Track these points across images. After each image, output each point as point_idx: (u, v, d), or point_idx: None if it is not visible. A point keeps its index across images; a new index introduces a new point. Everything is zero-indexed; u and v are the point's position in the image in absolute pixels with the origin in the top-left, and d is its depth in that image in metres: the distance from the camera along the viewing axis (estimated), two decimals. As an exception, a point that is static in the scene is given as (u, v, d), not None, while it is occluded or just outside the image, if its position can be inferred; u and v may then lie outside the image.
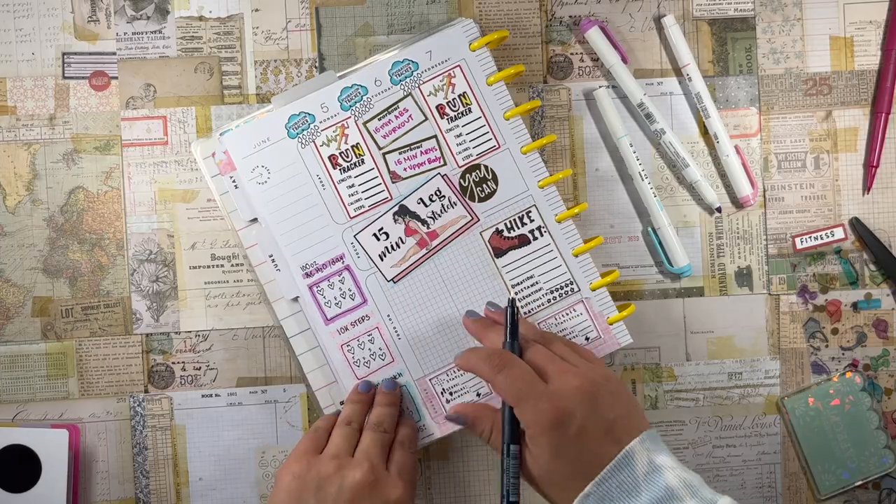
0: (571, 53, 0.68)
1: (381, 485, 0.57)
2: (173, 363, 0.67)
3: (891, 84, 0.68)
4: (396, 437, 0.61)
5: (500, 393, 0.55)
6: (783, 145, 0.69)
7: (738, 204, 0.68)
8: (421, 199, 0.64)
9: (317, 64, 0.67)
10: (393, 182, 0.64)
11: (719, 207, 0.68)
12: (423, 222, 0.63)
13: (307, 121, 0.63)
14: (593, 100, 0.68)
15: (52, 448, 0.64)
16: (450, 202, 0.64)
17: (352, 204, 0.63)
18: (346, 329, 0.63)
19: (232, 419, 0.67)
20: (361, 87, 0.64)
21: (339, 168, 0.63)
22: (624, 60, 0.67)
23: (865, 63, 0.69)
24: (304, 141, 0.63)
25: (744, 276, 0.68)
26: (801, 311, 0.69)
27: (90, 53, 0.67)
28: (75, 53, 0.67)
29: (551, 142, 0.65)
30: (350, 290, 0.63)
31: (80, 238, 0.67)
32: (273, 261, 0.64)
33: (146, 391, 0.67)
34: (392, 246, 0.63)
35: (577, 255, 0.64)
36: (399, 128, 0.64)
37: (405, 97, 0.64)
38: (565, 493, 0.52)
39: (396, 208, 0.63)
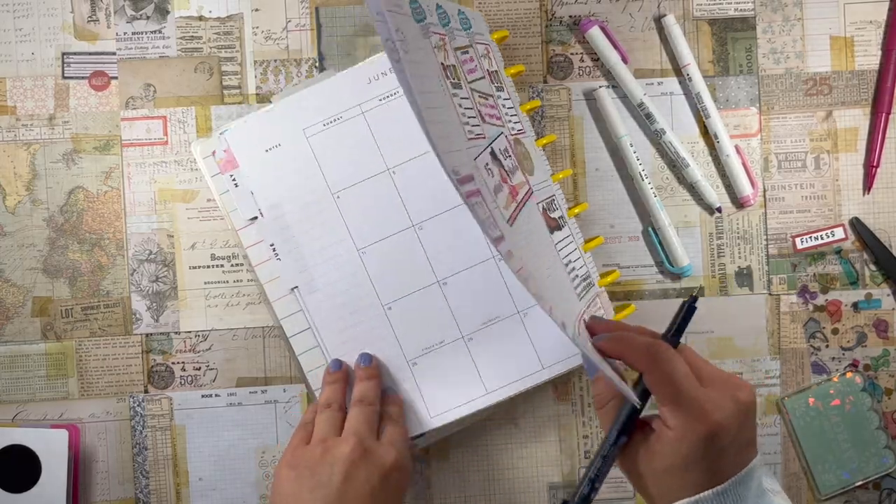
0: (571, 53, 0.68)
1: (372, 454, 0.57)
2: (173, 363, 0.67)
3: (891, 84, 0.68)
4: (384, 413, 0.61)
5: (654, 386, 0.50)
6: (783, 145, 0.68)
7: (739, 204, 0.68)
8: (501, 150, 0.55)
9: (317, 64, 0.67)
10: (483, 121, 0.54)
11: (719, 207, 0.68)
12: (509, 174, 0.55)
13: (421, 13, 0.50)
14: (593, 100, 0.68)
15: (51, 448, 0.64)
16: (514, 164, 0.57)
17: (465, 124, 0.51)
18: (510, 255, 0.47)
19: (232, 419, 0.67)
20: (446, 13, 0.55)
21: (450, 81, 0.51)
22: (624, 60, 0.67)
23: (866, 63, 0.69)
24: (424, 30, 0.50)
25: (744, 276, 0.68)
26: (802, 311, 0.69)
27: (90, 53, 0.67)
28: (75, 53, 0.67)
29: (551, 141, 0.65)
30: (489, 218, 0.47)
31: (80, 238, 0.67)
32: (274, 249, 0.63)
33: (146, 391, 0.67)
34: (497, 186, 0.52)
35: (585, 252, 0.64)
36: (473, 71, 0.57)
37: (471, 45, 0.58)
38: (672, 496, 0.49)
39: (490, 150, 0.53)
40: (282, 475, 0.57)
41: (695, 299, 0.53)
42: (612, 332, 0.54)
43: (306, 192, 0.63)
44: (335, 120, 0.64)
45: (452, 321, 0.63)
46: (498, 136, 0.55)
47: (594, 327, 0.55)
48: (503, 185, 0.52)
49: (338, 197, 0.64)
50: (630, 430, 0.51)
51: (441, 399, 0.64)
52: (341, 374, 0.63)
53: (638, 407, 0.50)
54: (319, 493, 0.55)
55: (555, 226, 0.63)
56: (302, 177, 0.63)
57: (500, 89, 0.62)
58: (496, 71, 0.62)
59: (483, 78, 0.58)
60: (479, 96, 0.55)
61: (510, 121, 0.61)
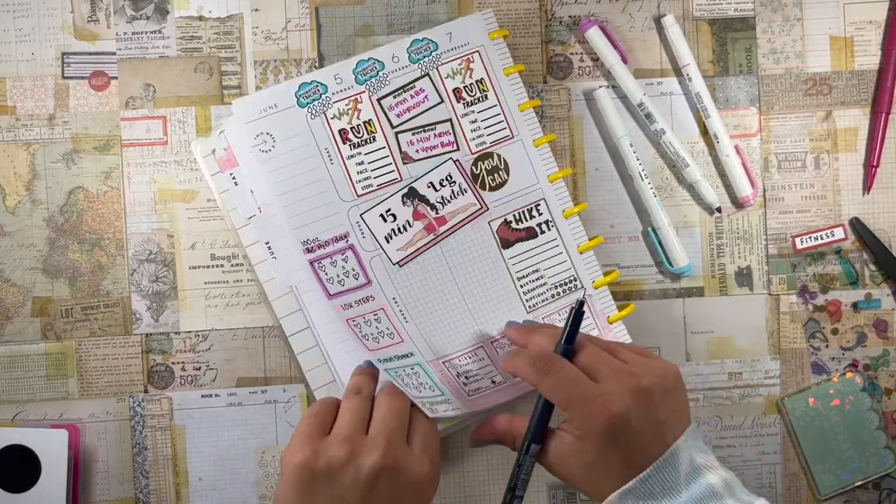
0: (571, 53, 0.68)
1: (402, 465, 0.51)
2: (173, 363, 0.67)
3: (891, 84, 0.68)
4: (413, 409, 0.56)
5: (547, 395, 0.52)
6: (783, 145, 0.68)
7: (738, 204, 0.68)
8: (431, 182, 0.62)
9: (316, 64, 0.67)
10: (404, 163, 0.62)
11: (719, 207, 0.68)
12: (433, 207, 0.62)
13: (319, 91, 0.62)
14: (593, 100, 0.68)
15: (51, 448, 0.64)
16: (460, 188, 0.62)
17: (360, 182, 0.62)
18: (351, 306, 0.61)
19: (232, 419, 0.67)
20: (378, 61, 0.62)
21: (349, 143, 0.62)
22: (624, 60, 0.67)
23: (865, 63, 0.69)
24: (314, 111, 0.62)
25: (744, 276, 0.68)
26: (802, 311, 0.69)
27: (90, 53, 0.67)
28: (75, 53, 0.67)
29: (551, 141, 0.65)
30: (354, 269, 0.61)
31: (80, 238, 0.67)
32: (269, 248, 0.63)
33: (146, 391, 0.67)
34: (399, 228, 0.61)
35: (581, 252, 0.64)
36: (414, 107, 0.63)
37: (422, 77, 0.63)
38: (603, 488, 0.50)
39: (406, 190, 0.61)
40: (296, 474, 0.51)
41: (581, 304, 0.54)
42: (509, 350, 0.57)
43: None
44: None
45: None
46: (433, 169, 0.61)
47: (506, 334, 0.60)
48: (415, 223, 0.61)
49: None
50: (540, 436, 0.53)
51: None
52: (374, 370, 0.61)
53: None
54: None
55: (520, 237, 0.63)
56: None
57: (479, 101, 0.63)
58: (479, 80, 0.63)
59: (434, 107, 0.62)
60: (413, 133, 0.62)
61: (483, 134, 0.63)
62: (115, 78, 0.67)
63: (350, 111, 0.62)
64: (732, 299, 0.68)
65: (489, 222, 0.63)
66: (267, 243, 0.63)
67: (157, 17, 0.67)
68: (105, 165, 0.67)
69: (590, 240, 0.65)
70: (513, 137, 0.64)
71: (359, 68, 0.62)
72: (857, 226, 0.68)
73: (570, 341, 0.54)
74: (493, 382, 0.62)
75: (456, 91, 0.63)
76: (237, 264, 0.67)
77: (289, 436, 0.67)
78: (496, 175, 0.63)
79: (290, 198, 0.60)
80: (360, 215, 0.61)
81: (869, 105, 0.69)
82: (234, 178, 0.64)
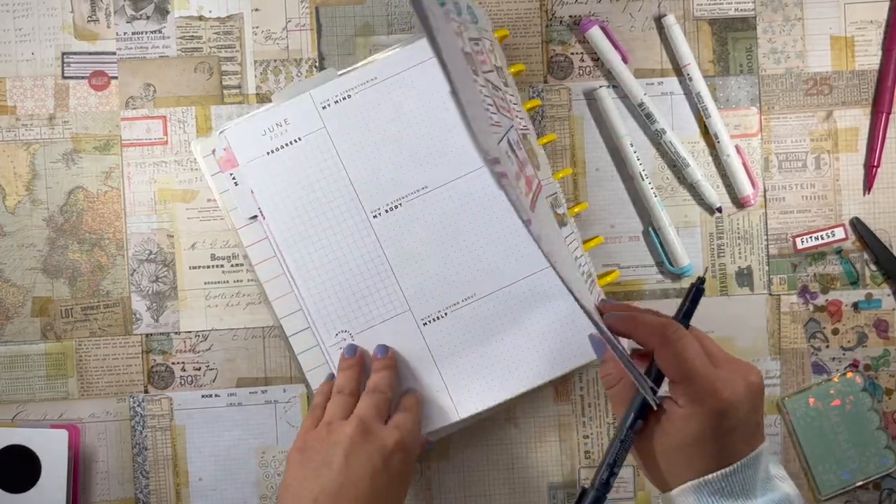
0: (572, 53, 0.68)
1: (374, 434, 0.57)
2: (173, 363, 0.67)
3: (891, 84, 0.68)
4: (398, 404, 0.61)
5: (665, 365, 0.50)
6: (784, 145, 0.68)
7: (739, 204, 0.68)
8: (514, 140, 0.56)
9: (317, 64, 0.67)
10: (497, 112, 0.55)
11: (720, 207, 0.68)
12: (522, 165, 0.55)
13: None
14: (594, 100, 0.68)
15: (51, 448, 0.64)
16: (524, 157, 0.58)
17: (486, 110, 0.51)
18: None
19: (232, 419, 0.67)
20: (457, 3, 0.54)
21: (470, 67, 0.51)
22: (624, 60, 0.67)
23: (866, 63, 0.69)
24: (447, 13, 0.49)
25: (744, 277, 0.68)
26: (802, 311, 0.68)
27: (90, 53, 0.67)
28: (75, 53, 0.67)
29: (551, 141, 0.65)
30: (515, 200, 0.47)
31: (80, 238, 0.67)
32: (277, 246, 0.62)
33: (146, 391, 0.67)
34: (515, 173, 0.52)
35: (585, 251, 0.64)
36: (484, 63, 0.57)
37: (480, 38, 0.59)
38: (682, 475, 0.50)
39: (507, 139, 0.53)
40: (291, 458, 0.58)
41: (702, 280, 0.53)
42: (623, 312, 0.54)
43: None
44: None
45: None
46: (510, 128, 0.55)
47: (605, 308, 0.56)
48: (521, 174, 0.52)
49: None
50: (646, 412, 0.51)
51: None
52: (356, 359, 0.63)
53: (649, 396, 0.50)
54: (323, 473, 0.56)
55: (560, 222, 0.63)
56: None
57: (506, 84, 0.62)
58: (500, 67, 0.62)
59: (492, 71, 0.58)
60: (493, 87, 0.55)
61: (517, 116, 0.61)
62: (115, 78, 0.67)
63: (459, 35, 0.51)
64: (733, 299, 0.68)
65: (546, 198, 0.61)
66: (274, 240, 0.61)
67: (157, 17, 0.67)
68: (105, 165, 0.67)
69: (590, 240, 0.65)
70: (529, 130, 0.63)
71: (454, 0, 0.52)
72: (857, 226, 0.68)
73: (688, 318, 0.53)
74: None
75: (496, 68, 0.61)
76: (237, 264, 0.67)
77: (289, 436, 0.67)
78: (533, 157, 0.62)
79: (466, 94, 0.44)
80: (497, 144, 0.48)
81: (869, 105, 0.69)
82: (234, 179, 0.64)
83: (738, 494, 0.49)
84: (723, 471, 0.49)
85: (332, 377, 0.64)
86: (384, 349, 0.63)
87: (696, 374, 0.49)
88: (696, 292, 0.53)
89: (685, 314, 0.53)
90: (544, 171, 0.63)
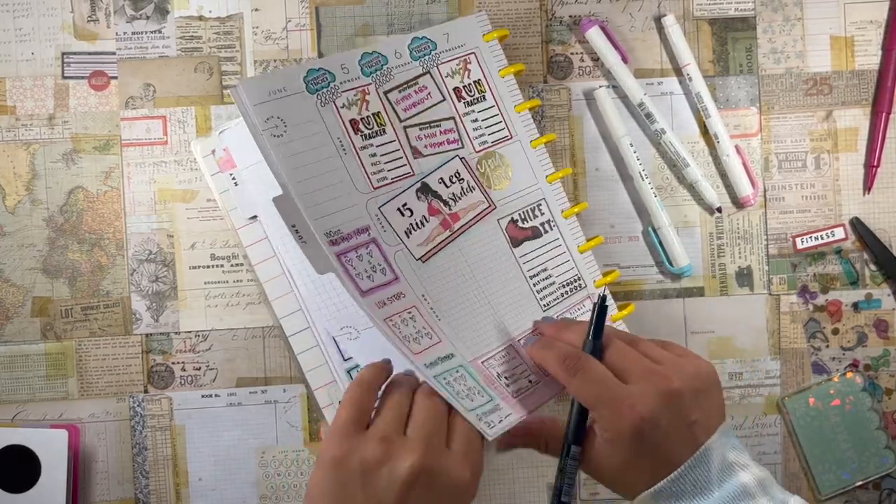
0: (571, 53, 0.68)
1: (441, 468, 0.48)
2: (173, 363, 0.67)
3: (891, 84, 0.68)
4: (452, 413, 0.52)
5: (575, 396, 0.51)
6: (784, 145, 0.68)
7: (739, 204, 0.68)
8: (442, 179, 0.60)
9: (317, 64, 0.67)
10: (414, 158, 0.60)
11: (720, 207, 0.68)
12: (445, 203, 0.60)
13: (327, 78, 0.59)
14: (593, 99, 0.68)
15: (51, 448, 0.64)
16: (468, 186, 0.61)
17: (374, 174, 0.58)
18: (384, 304, 0.56)
19: (232, 419, 0.67)
20: (382, 56, 0.61)
21: (360, 134, 0.59)
22: (624, 60, 0.67)
23: (866, 63, 0.69)
24: (323, 99, 0.58)
25: (744, 276, 0.68)
26: (802, 311, 0.68)
27: (90, 53, 0.67)
28: (75, 53, 0.67)
29: (551, 140, 0.65)
30: (380, 264, 0.56)
31: (80, 238, 0.67)
32: (297, 231, 0.58)
33: (146, 391, 0.67)
34: (417, 223, 0.59)
35: (581, 252, 0.64)
36: (419, 103, 0.61)
37: (424, 74, 0.62)
38: (635, 488, 0.50)
39: (419, 185, 0.59)
40: (326, 465, 0.48)
41: (604, 299, 0.53)
42: (540, 336, 0.57)
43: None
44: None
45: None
46: (442, 165, 0.60)
47: (537, 328, 0.59)
48: (430, 218, 0.59)
49: None
50: (580, 437, 0.52)
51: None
52: (388, 366, 0.55)
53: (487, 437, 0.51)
54: None
55: (527, 236, 0.63)
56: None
57: (478, 101, 0.63)
58: (477, 81, 0.63)
59: (437, 104, 0.61)
60: (420, 128, 0.60)
61: (483, 134, 0.63)
62: (115, 78, 0.67)
63: (359, 102, 0.59)
64: (733, 299, 0.68)
65: (498, 220, 0.62)
66: (294, 226, 0.58)
67: (157, 17, 0.67)
68: (105, 165, 0.67)
69: (590, 240, 0.65)
70: (511, 138, 0.64)
71: (364, 60, 0.60)
72: (857, 226, 0.68)
73: (598, 336, 0.53)
74: (531, 382, 0.59)
75: (456, 90, 0.63)
76: (237, 264, 0.67)
77: (289, 436, 0.67)
78: (500, 174, 0.63)
79: (306, 186, 0.55)
80: (379, 208, 0.58)
81: (869, 105, 0.69)
82: (233, 179, 0.64)
83: (694, 493, 0.48)
84: (668, 477, 0.49)
85: (383, 363, 0.55)
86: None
87: (604, 399, 0.49)
88: (599, 310, 0.53)
89: (593, 333, 0.53)
90: (526, 180, 0.63)
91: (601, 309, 0.53)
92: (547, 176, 0.64)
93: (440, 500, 0.49)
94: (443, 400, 0.52)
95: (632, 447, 0.49)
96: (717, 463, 0.49)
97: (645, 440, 0.49)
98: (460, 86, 0.63)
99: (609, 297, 0.60)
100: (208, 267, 0.67)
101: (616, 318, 0.64)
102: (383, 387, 0.53)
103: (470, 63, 0.63)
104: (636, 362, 0.51)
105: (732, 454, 0.50)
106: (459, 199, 0.61)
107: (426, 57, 0.62)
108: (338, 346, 0.64)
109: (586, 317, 0.63)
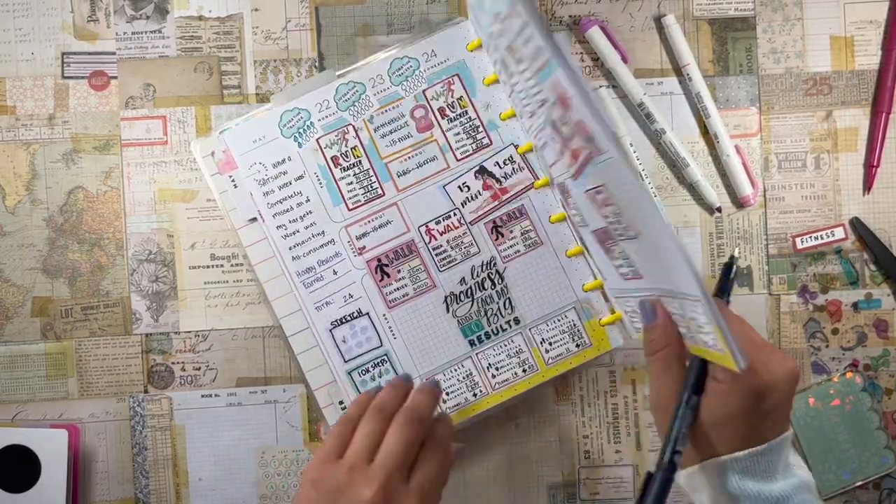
0: (572, 53, 0.68)
1: (394, 502, 0.51)
2: (173, 363, 0.67)
3: (891, 84, 0.68)
4: (427, 437, 0.55)
5: (735, 336, 0.49)
6: (783, 145, 0.68)
7: (739, 204, 0.68)
8: (556, 118, 0.58)
9: (316, 64, 0.67)
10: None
11: (719, 207, 0.68)
12: (567, 140, 0.58)
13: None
14: (593, 99, 0.68)
15: (51, 448, 0.64)
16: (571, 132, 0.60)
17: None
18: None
19: (232, 419, 0.67)
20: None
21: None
22: (624, 60, 0.67)
23: (866, 63, 0.69)
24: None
25: (744, 276, 0.68)
26: (802, 310, 0.68)
27: (90, 53, 0.67)
28: (75, 53, 0.67)
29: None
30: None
31: (80, 238, 0.67)
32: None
33: (146, 391, 0.67)
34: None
35: (570, 256, 0.64)
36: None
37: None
38: (708, 451, 0.51)
39: (550, 122, 0.58)
40: (306, 486, 0.53)
41: (734, 259, 0.56)
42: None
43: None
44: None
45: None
46: (553, 103, 0.58)
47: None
48: (565, 150, 0.56)
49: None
50: (700, 388, 0.52)
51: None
52: (407, 386, 0.58)
53: (742, 366, 0.49)
54: None
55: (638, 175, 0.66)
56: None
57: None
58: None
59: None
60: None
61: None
62: (115, 78, 0.67)
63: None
64: (733, 299, 0.68)
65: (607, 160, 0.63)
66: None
67: (157, 17, 0.67)
68: (105, 165, 0.67)
69: (581, 244, 0.65)
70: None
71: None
72: (857, 226, 0.68)
73: (726, 294, 0.56)
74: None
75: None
76: (237, 264, 0.67)
77: (289, 436, 0.67)
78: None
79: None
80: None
81: (869, 105, 0.69)
82: (233, 180, 0.64)
83: (761, 475, 0.50)
84: (751, 450, 0.50)
85: (375, 391, 0.58)
86: (435, 382, 0.59)
87: (761, 347, 0.51)
88: (727, 269, 0.56)
89: (722, 290, 0.56)
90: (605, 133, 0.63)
91: (728, 269, 0.55)
92: (534, 182, 0.64)
93: None
94: (414, 431, 0.54)
95: (743, 406, 0.50)
96: (785, 456, 0.51)
97: (757, 405, 0.50)
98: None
99: (738, 258, 0.62)
100: (208, 267, 0.67)
101: (606, 322, 0.64)
102: (368, 411, 0.55)
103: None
104: (761, 338, 0.53)
105: (792, 456, 0.52)
106: (571, 140, 0.57)
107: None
108: (338, 347, 0.64)
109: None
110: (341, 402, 0.64)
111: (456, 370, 0.64)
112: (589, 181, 0.54)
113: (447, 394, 0.64)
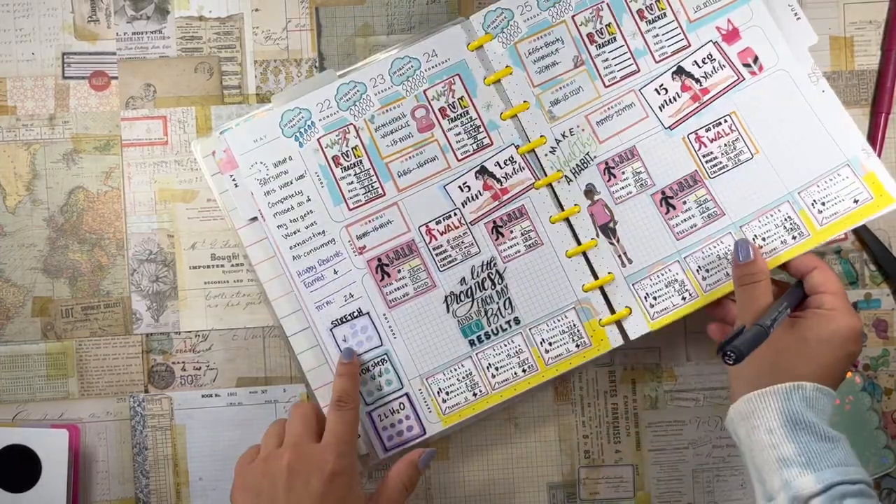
0: None
1: (309, 459, 0.56)
2: (173, 363, 0.67)
3: (891, 84, 0.68)
4: (332, 398, 0.60)
5: (824, 279, 0.59)
6: (783, 145, 0.68)
7: (738, 204, 0.68)
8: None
9: (317, 64, 0.67)
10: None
11: (719, 207, 0.68)
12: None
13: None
14: (593, 100, 0.68)
15: (52, 448, 0.64)
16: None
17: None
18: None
19: (232, 419, 0.67)
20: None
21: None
22: (624, 60, 0.67)
23: (865, 63, 0.69)
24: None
25: (744, 276, 0.68)
26: (802, 310, 0.68)
27: (90, 53, 0.67)
28: (75, 53, 0.67)
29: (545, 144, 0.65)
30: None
31: (80, 238, 0.67)
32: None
33: (146, 391, 0.67)
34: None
35: (570, 257, 0.64)
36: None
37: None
38: (778, 377, 0.56)
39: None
40: (236, 500, 0.57)
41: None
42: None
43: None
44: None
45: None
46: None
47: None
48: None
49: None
50: (794, 305, 0.59)
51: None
52: (351, 363, 0.63)
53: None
54: None
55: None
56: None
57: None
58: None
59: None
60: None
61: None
62: (116, 78, 0.67)
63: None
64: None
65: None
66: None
67: (158, 17, 0.67)
68: (105, 165, 0.67)
69: (581, 244, 0.65)
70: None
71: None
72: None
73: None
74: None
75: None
76: (237, 264, 0.67)
77: (289, 436, 0.67)
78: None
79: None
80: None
81: (869, 105, 0.69)
82: (233, 180, 0.64)
83: (818, 413, 0.54)
84: (819, 385, 0.55)
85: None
86: (350, 353, 0.63)
87: (844, 296, 0.58)
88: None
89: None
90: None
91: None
92: (534, 182, 0.64)
93: (316, 484, 0.56)
94: (310, 408, 0.60)
95: (839, 334, 0.56)
96: (830, 414, 0.56)
97: (848, 342, 0.56)
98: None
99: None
100: (208, 267, 0.67)
101: (605, 323, 0.64)
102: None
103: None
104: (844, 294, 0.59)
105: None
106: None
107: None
108: (338, 346, 0.64)
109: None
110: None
111: (456, 370, 0.64)
112: (708, 116, 0.64)
113: (447, 393, 0.64)
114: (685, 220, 0.64)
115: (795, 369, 0.55)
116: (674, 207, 0.64)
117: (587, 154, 0.64)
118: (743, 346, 0.53)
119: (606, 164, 0.64)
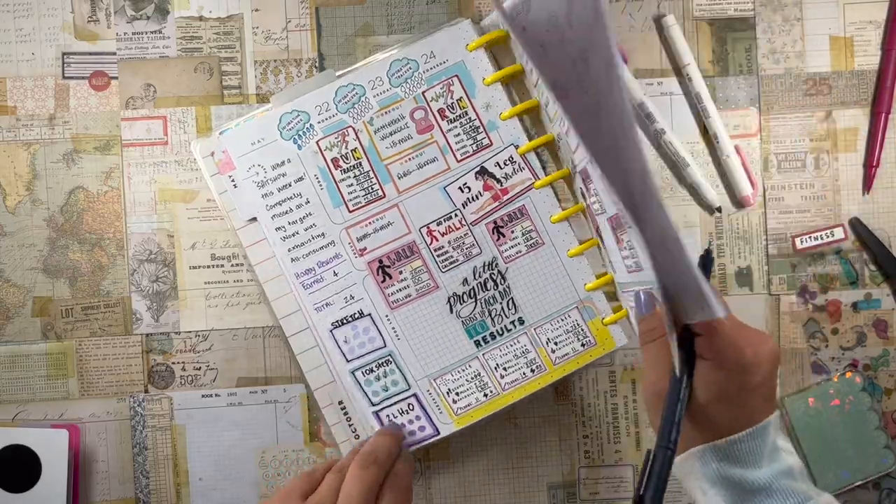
0: (571, 53, 0.68)
1: None
2: (173, 363, 0.67)
3: (891, 84, 0.68)
4: (388, 476, 0.56)
5: (720, 323, 0.51)
6: (783, 145, 0.69)
7: (738, 204, 0.68)
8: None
9: (317, 64, 0.67)
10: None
11: (719, 207, 0.68)
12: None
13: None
14: (593, 100, 0.68)
15: (52, 448, 0.64)
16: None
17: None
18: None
19: (232, 419, 0.67)
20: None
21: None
22: (624, 60, 0.67)
23: (865, 63, 0.69)
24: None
25: (744, 277, 0.68)
26: (801, 311, 0.69)
27: (90, 53, 0.67)
28: (75, 53, 0.67)
29: (550, 141, 0.65)
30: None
31: (80, 238, 0.67)
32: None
33: (146, 391, 0.67)
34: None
35: (571, 257, 0.64)
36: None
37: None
38: (693, 439, 0.52)
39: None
40: None
41: (708, 251, 0.55)
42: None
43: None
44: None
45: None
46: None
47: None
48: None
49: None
50: (692, 367, 0.52)
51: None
52: (398, 434, 0.62)
53: (720, 313, 0.48)
54: None
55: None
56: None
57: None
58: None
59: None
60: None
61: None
62: (116, 78, 0.67)
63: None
64: (732, 299, 0.68)
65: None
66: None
67: (158, 17, 0.67)
68: (105, 165, 0.67)
69: (589, 240, 0.65)
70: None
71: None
72: (856, 226, 0.68)
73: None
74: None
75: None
76: (237, 264, 0.67)
77: (289, 436, 0.67)
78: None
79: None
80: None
81: (869, 105, 0.69)
82: (232, 181, 0.64)
83: (744, 462, 0.50)
84: (731, 437, 0.50)
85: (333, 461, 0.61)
86: (396, 425, 0.63)
87: (723, 328, 0.51)
88: (706, 261, 0.55)
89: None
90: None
91: (708, 261, 0.55)
92: (535, 182, 0.64)
93: None
94: (373, 475, 0.55)
95: (731, 381, 0.50)
96: (772, 441, 0.51)
97: (744, 380, 0.50)
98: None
99: (714, 250, 0.63)
100: (208, 267, 0.67)
101: (609, 322, 0.64)
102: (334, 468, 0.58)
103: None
104: (738, 321, 0.53)
105: (781, 440, 0.52)
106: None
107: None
108: (339, 347, 0.64)
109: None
110: (341, 403, 0.64)
111: (464, 371, 0.64)
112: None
113: (457, 394, 0.64)
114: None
115: (717, 421, 0.51)
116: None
117: None
118: (656, 492, 0.49)
119: None
